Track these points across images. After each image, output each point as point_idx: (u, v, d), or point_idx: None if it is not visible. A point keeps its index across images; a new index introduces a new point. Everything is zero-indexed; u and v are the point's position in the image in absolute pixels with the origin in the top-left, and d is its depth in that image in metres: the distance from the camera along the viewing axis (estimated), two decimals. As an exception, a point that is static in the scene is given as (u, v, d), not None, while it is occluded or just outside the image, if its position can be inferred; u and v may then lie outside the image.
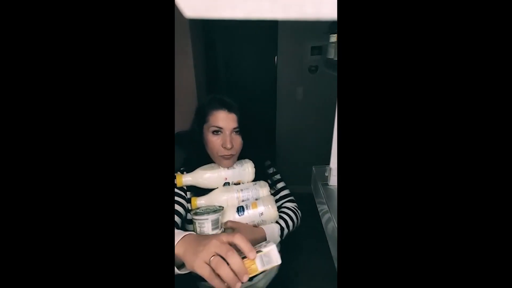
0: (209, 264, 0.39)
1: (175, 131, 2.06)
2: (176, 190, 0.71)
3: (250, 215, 0.69)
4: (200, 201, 0.70)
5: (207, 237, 0.43)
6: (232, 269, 0.38)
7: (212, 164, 0.73)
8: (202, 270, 0.39)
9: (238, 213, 0.68)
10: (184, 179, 0.70)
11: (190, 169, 0.73)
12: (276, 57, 1.90)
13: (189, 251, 0.42)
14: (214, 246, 0.40)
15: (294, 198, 0.83)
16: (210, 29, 1.90)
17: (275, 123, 2.05)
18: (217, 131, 0.69)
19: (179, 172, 0.74)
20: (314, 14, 0.15)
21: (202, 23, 1.83)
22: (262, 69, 1.98)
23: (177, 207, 0.68)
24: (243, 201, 0.71)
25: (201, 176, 0.71)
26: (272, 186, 0.80)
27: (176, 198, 0.70)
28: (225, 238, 0.41)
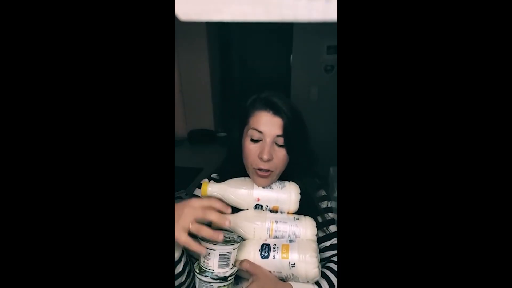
0: (189, 232, 0.40)
1: (189, 130, 2.07)
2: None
3: (276, 262, 0.48)
4: None
5: (181, 206, 0.43)
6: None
7: (247, 178, 0.57)
8: (180, 238, 0.40)
9: (260, 253, 0.49)
10: (210, 188, 0.54)
11: (223, 178, 0.58)
12: (291, 56, 1.89)
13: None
14: (189, 214, 0.41)
15: None
16: (226, 30, 1.93)
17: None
18: (254, 139, 0.54)
19: (206, 180, 0.61)
20: (291, 17, 0.16)
21: (218, 24, 1.86)
22: (277, 69, 1.98)
23: None
24: (275, 237, 0.52)
25: (230, 189, 0.54)
26: (322, 227, 0.58)
27: None
28: (198, 203, 0.42)
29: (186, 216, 0.41)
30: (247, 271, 0.48)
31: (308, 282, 0.49)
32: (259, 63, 2.00)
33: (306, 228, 0.52)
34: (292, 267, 0.48)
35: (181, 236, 0.40)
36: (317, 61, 1.84)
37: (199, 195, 0.57)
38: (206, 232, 0.40)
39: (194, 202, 0.43)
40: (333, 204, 0.65)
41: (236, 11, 0.19)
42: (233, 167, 0.60)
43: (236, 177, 0.57)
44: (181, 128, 1.91)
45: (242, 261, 0.48)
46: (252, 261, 0.49)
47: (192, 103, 1.88)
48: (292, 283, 0.49)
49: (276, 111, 0.53)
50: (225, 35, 1.95)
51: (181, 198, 0.64)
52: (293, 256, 0.48)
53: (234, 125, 0.61)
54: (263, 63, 2.00)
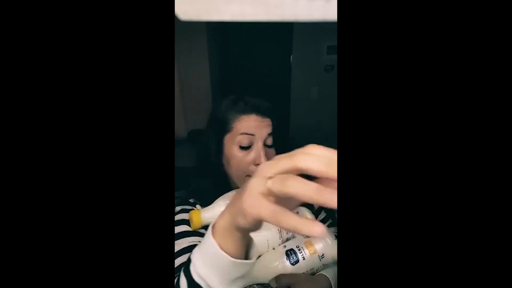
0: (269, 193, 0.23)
1: (189, 130, 2.07)
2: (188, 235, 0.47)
3: (307, 262, 0.47)
4: None
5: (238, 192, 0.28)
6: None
7: (238, 191, 0.54)
8: (262, 209, 0.22)
9: (289, 261, 0.47)
10: (205, 215, 0.46)
11: (203, 201, 0.51)
12: (291, 56, 1.89)
13: (232, 207, 0.27)
14: (261, 181, 0.24)
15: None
16: (226, 30, 1.93)
17: (289, 124, 2.04)
18: (245, 146, 0.50)
19: (196, 207, 0.52)
20: (291, 17, 0.16)
21: (218, 24, 1.86)
22: (277, 69, 1.98)
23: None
24: (287, 239, 0.51)
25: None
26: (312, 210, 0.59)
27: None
28: (269, 168, 0.24)
29: (257, 184, 0.23)
30: (286, 285, 0.45)
31: (335, 264, 0.49)
32: (259, 63, 2.01)
33: (305, 214, 0.53)
34: (322, 258, 0.48)
35: (264, 207, 0.22)
36: (317, 61, 1.84)
37: (188, 227, 0.48)
38: (300, 185, 0.22)
39: (262, 168, 0.24)
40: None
41: (236, 11, 0.19)
42: (215, 185, 0.54)
43: (216, 194, 0.50)
44: (181, 128, 1.91)
45: (276, 278, 0.45)
46: (283, 272, 0.46)
47: (192, 103, 1.88)
48: (324, 272, 0.48)
49: (264, 113, 0.51)
50: (225, 35, 1.95)
51: (180, 198, 0.62)
52: (319, 247, 0.48)
53: (205, 136, 0.56)
54: (263, 63, 2.00)
